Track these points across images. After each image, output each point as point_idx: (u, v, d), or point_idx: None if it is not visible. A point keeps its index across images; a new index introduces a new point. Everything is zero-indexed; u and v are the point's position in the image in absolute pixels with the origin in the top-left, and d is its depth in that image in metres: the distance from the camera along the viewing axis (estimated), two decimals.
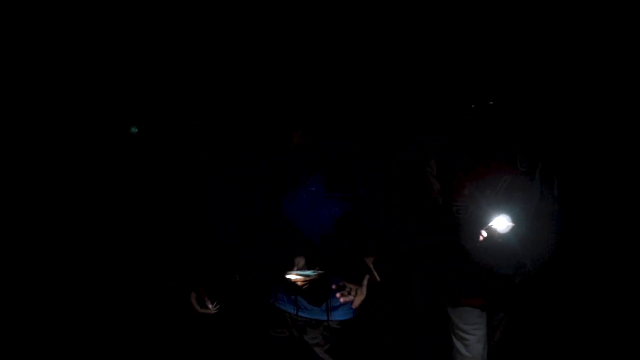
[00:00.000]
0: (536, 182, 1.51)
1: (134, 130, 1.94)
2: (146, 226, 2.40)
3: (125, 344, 2.15)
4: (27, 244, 2.21)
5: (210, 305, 1.45)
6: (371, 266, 1.42)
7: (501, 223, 1.41)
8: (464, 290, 1.58)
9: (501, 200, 1.47)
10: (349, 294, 1.36)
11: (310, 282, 1.29)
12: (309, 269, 1.34)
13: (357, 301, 1.37)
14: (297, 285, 1.30)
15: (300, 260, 1.36)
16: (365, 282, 1.39)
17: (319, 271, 1.31)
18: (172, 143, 2.60)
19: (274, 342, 1.49)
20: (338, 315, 1.42)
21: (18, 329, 2.09)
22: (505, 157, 1.52)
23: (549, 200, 1.53)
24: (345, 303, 1.38)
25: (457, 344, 1.67)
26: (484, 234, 1.42)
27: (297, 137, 1.49)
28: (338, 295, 1.37)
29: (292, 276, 1.31)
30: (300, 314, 1.42)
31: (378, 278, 1.42)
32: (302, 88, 1.80)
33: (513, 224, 1.41)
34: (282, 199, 1.40)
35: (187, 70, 2.49)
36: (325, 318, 1.41)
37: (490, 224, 1.41)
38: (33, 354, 2.05)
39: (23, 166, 2.24)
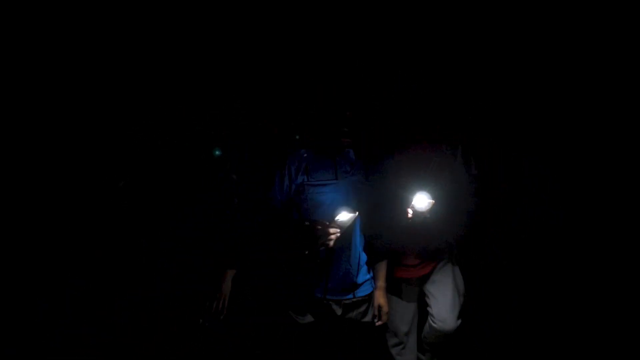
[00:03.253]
0: (459, 163, 1.78)
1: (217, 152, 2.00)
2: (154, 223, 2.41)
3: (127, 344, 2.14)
4: (23, 245, 2.21)
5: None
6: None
7: (421, 201, 1.58)
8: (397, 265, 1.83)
9: (433, 178, 1.70)
10: (380, 315, 1.67)
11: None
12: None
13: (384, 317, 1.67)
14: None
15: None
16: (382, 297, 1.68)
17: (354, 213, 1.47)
18: (173, 143, 2.60)
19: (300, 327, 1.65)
20: (362, 292, 1.65)
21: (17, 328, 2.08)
22: (432, 142, 1.76)
23: (469, 177, 1.79)
24: (365, 280, 1.66)
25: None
26: (410, 212, 1.61)
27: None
28: (376, 320, 1.67)
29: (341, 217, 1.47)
30: (328, 297, 1.61)
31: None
32: (303, 88, 1.83)
33: (433, 201, 1.59)
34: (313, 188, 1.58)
35: (188, 71, 2.49)
36: (351, 296, 1.63)
37: (413, 203, 1.60)
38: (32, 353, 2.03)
39: (19, 167, 2.23)
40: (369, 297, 1.68)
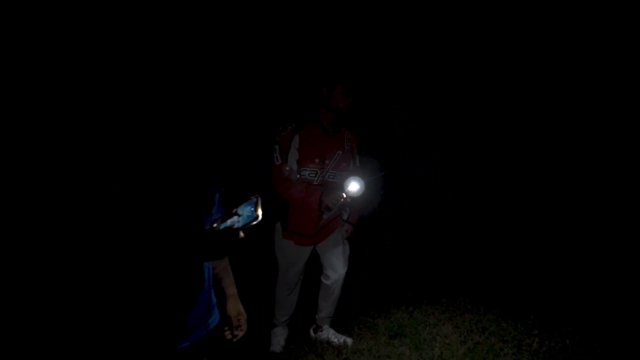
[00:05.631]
0: (350, 156, 2.29)
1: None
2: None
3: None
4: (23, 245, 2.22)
5: None
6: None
7: (354, 187, 2.05)
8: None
9: (335, 167, 2.21)
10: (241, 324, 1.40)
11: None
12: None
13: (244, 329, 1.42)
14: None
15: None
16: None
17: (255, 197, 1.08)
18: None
19: None
20: (214, 320, 1.32)
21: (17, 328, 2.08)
22: (338, 139, 2.23)
23: (355, 167, 2.32)
24: (214, 305, 1.33)
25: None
26: (344, 195, 2.07)
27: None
28: (228, 334, 1.37)
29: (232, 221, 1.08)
30: (188, 343, 1.21)
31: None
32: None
33: (361, 187, 2.05)
34: None
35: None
36: (203, 331, 1.26)
37: (347, 189, 2.06)
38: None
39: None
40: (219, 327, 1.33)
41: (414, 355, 2.25)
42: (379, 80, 4.10)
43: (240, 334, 1.39)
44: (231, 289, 1.42)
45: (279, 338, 2.43)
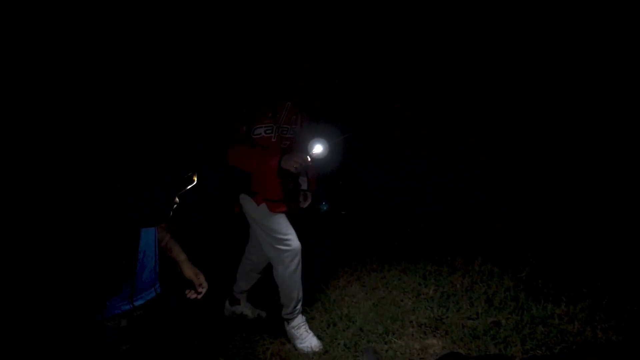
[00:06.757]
0: (298, 111, 2.14)
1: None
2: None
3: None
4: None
5: None
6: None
7: (318, 149, 1.94)
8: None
9: (286, 120, 2.07)
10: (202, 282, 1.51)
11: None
12: None
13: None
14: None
15: None
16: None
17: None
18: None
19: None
20: (159, 287, 1.44)
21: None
22: (287, 92, 2.09)
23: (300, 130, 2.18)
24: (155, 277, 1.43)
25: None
26: (309, 158, 1.94)
27: None
28: (192, 294, 1.49)
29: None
30: (137, 304, 1.34)
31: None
32: None
33: (325, 149, 1.95)
34: None
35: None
36: (153, 293, 1.39)
37: (311, 151, 1.94)
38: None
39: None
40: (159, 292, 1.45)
41: (324, 317, 2.42)
42: (379, 80, 4.10)
43: (203, 290, 1.50)
44: (181, 256, 1.52)
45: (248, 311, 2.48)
